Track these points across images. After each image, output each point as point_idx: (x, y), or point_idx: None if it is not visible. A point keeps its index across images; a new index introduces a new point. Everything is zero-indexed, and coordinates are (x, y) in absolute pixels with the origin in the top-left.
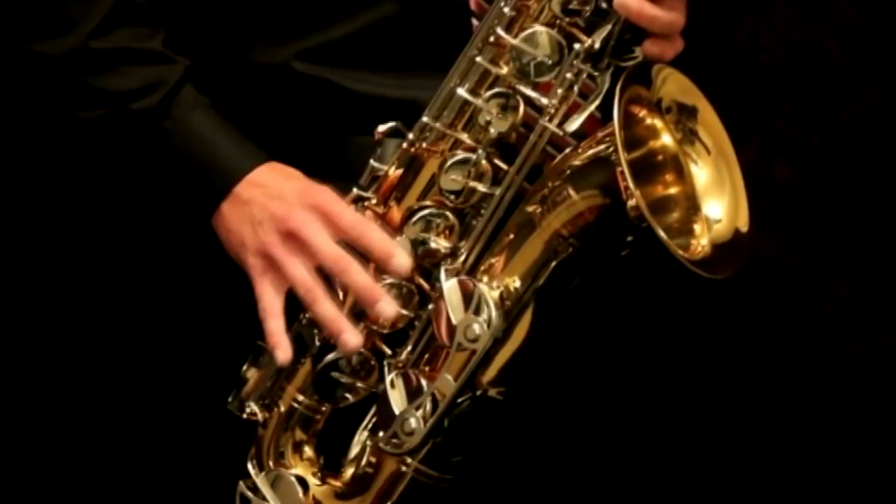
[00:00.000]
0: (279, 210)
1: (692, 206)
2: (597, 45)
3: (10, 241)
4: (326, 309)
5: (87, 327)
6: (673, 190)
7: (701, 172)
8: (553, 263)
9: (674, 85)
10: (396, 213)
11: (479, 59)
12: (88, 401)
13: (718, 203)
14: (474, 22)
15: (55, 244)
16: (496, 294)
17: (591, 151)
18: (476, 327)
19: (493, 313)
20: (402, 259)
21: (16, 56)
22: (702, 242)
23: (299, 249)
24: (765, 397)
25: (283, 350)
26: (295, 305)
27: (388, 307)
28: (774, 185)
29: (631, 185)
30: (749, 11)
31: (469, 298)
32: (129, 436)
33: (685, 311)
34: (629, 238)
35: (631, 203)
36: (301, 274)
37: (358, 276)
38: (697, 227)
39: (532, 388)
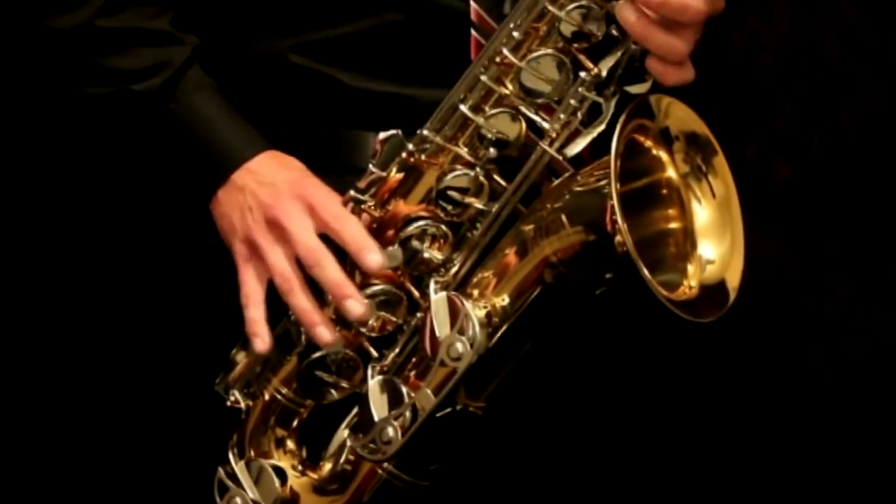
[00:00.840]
0: (267, 197)
1: (690, 243)
2: (603, 73)
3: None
4: (301, 301)
5: (78, 313)
6: (673, 225)
7: (703, 211)
8: (541, 288)
9: (679, 113)
10: (392, 220)
11: (483, 77)
12: (77, 383)
13: (715, 247)
14: (474, 34)
15: (51, 230)
16: (482, 313)
17: (590, 179)
18: (459, 346)
19: (478, 333)
20: (374, 255)
21: (27, 28)
22: (691, 284)
23: (281, 238)
24: (765, 397)
25: (261, 339)
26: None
27: (355, 306)
28: (774, 185)
29: (619, 219)
30: (749, 11)
31: (455, 315)
32: (114, 419)
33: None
34: (614, 273)
35: (618, 238)
36: (280, 263)
37: (330, 270)
38: (691, 268)
39: (514, 406)
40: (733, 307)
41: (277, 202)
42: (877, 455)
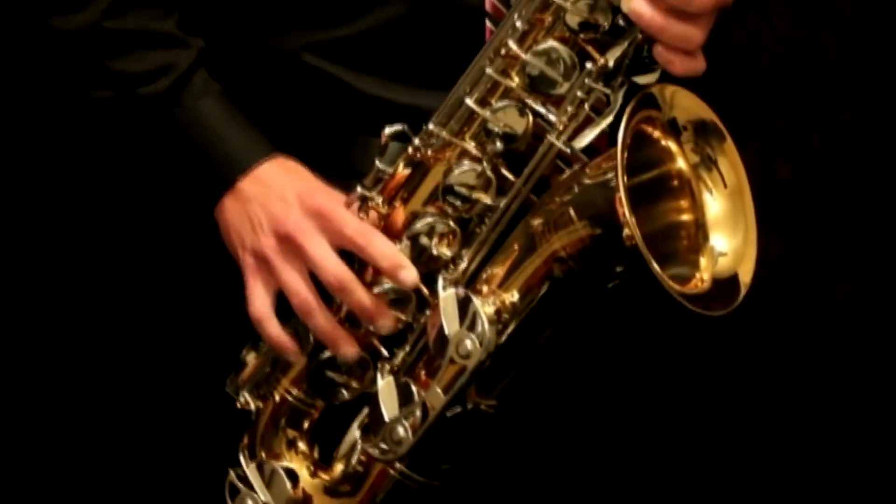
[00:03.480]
0: (278, 211)
1: (702, 234)
2: (610, 64)
3: (12, 238)
4: (322, 322)
5: (85, 311)
6: (684, 217)
7: (714, 203)
8: (550, 283)
9: (685, 102)
10: (399, 216)
11: (489, 69)
12: (85, 384)
13: (728, 239)
14: (488, 24)
15: (57, 228)
16: (491, 310)
17: (598, 172)
18: (468, 343)
19: (487, 330)
20: (410, 271)
21: (32, 29)
22: (703, 277)
23: (294, 255)
24: (765, 398)
25: (292, 350)
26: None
27: (386, 323)
28: (774, 185)
29: (627, 213)
30: (749, 11)
31: (464, 312)
32: (124, 422)
33: (684, 311)
34: (623, 266)
35: (626, 232)
36: (295, 283)
37: (359, 294)
38: (703, 260)
39: (524, 403)
40: (733, 308)
41: (289, 217)
42: (877, 455)
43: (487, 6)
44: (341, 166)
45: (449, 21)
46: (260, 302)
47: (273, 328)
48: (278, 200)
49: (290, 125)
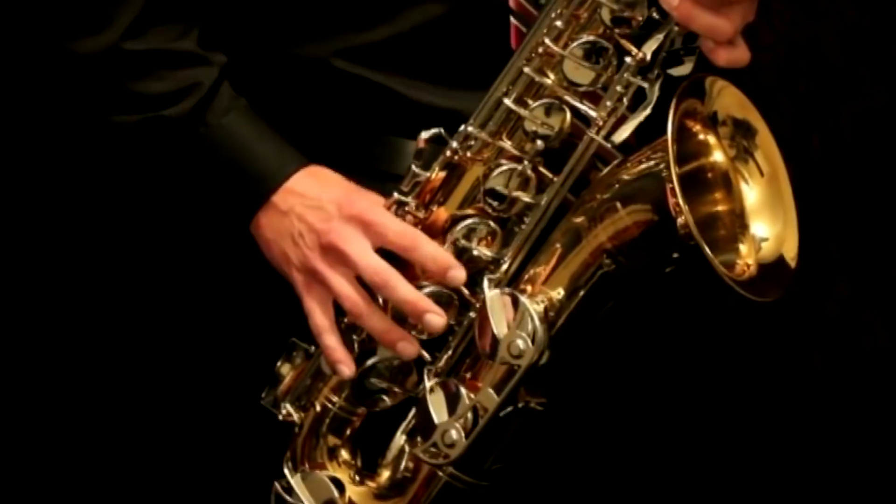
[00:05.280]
0: (318, 222)
1: (740, 224)
2: (647, 57)
3: (38, 245)
4: (377, 322)
5: (117, 327)
6: (722, 207)
7: (751, 192)
8: (598, 277)
9: (729, 98)
10: (438, 220)
11: (526, 69)
12: (121, 399)
13: (768, 225)
14: (513, 21)
15: (87, 239)
16: (540, 308)
17: (641, 166)
18: (520, 343)
19: (538, 328)
20: (460, 271)
21: (55, 54)
22: (748, 262)
23: (340, 262)
24: (765, 398)
25: (346, 365)
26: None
27: (436, 319)
28: None
29: (681, 201)
30: None
31: (513, 312)
32: (165, 436)
33: (685, 310)
34: (675, 255)
35: (680, 220)
36: (345, 288)
37: (402, 289)
38: (744, 247)
39: (573, 400)
40: (733, 308)
41: (330, 226)
42: (877, 455)
43: (512, 3)
44: (370, 168)
45: (479, 21)
46: (319, 316)
47: (332, 340)
48: (316, 210)
49: (318, 128)
